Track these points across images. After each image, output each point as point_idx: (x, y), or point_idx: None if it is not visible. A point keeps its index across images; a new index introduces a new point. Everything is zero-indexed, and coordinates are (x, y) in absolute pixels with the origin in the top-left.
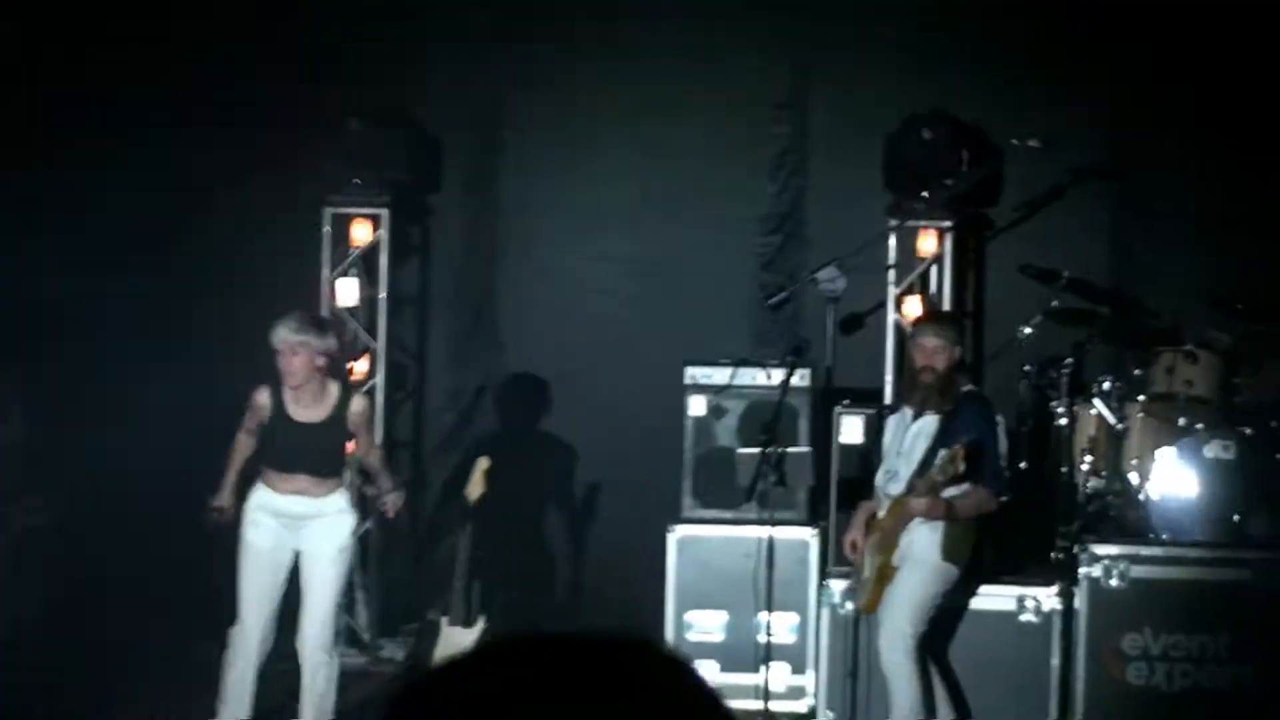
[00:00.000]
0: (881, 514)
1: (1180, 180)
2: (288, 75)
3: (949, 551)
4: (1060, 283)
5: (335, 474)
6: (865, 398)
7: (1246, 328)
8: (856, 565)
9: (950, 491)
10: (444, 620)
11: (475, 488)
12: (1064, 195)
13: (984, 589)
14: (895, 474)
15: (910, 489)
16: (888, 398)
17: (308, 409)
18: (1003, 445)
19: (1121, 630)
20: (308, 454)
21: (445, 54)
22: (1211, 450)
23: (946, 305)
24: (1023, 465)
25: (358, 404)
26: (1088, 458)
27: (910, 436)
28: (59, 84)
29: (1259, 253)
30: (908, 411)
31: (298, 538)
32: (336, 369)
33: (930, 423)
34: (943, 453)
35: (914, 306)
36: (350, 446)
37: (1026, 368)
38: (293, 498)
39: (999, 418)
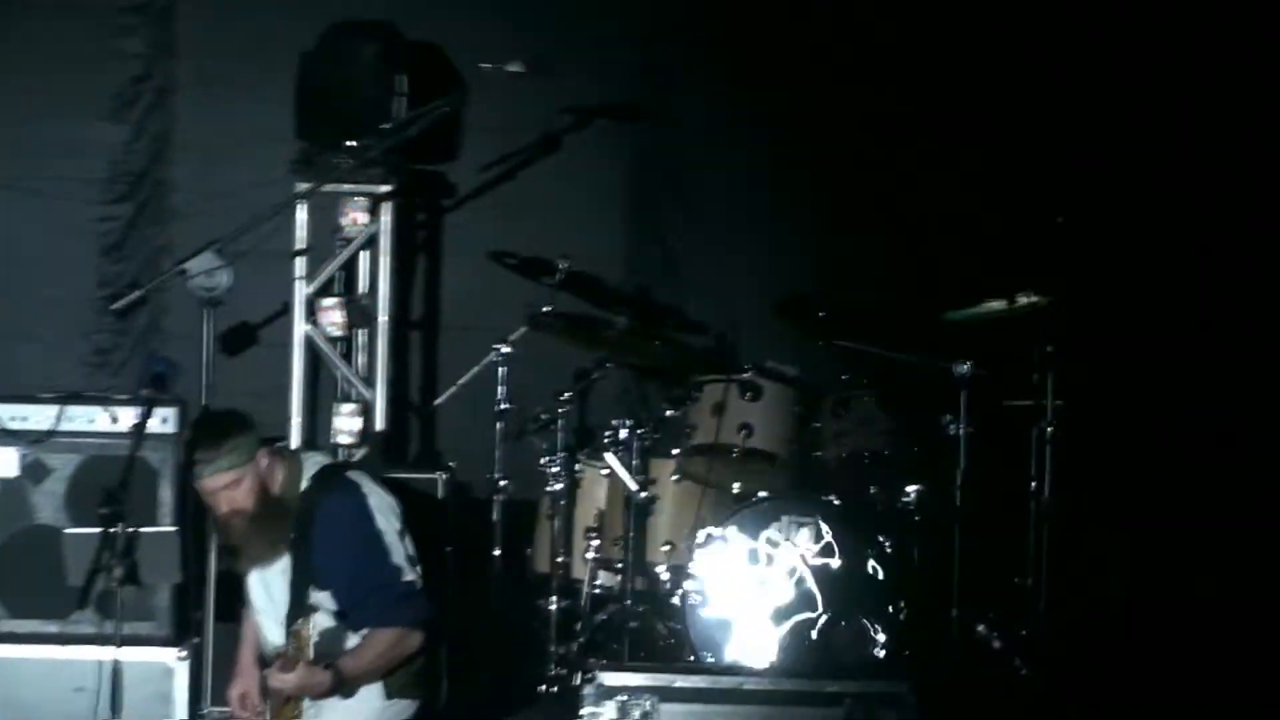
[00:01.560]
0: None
1: (735, 133)
2: None
3: (396, 684)
4: (556, 278)
5: None
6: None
7: (829, 345)
8: None
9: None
10: None
11: None
12: (560, 146)
13: None
14: (269, 635)
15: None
16: (294, 441)
17: None
18: (395, 549)
19: None
20: None
21: None
22: (779, 529)
23: (384, 309)
24: (496, 552)
25: None
26: (595, 541)
27: (259, 583)
28: None
29: (843, 243)
30: None
31: None
32: None
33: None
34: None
35: (334, 314)
36: None
37: (503, 406)
38: None
39: (375, 501)
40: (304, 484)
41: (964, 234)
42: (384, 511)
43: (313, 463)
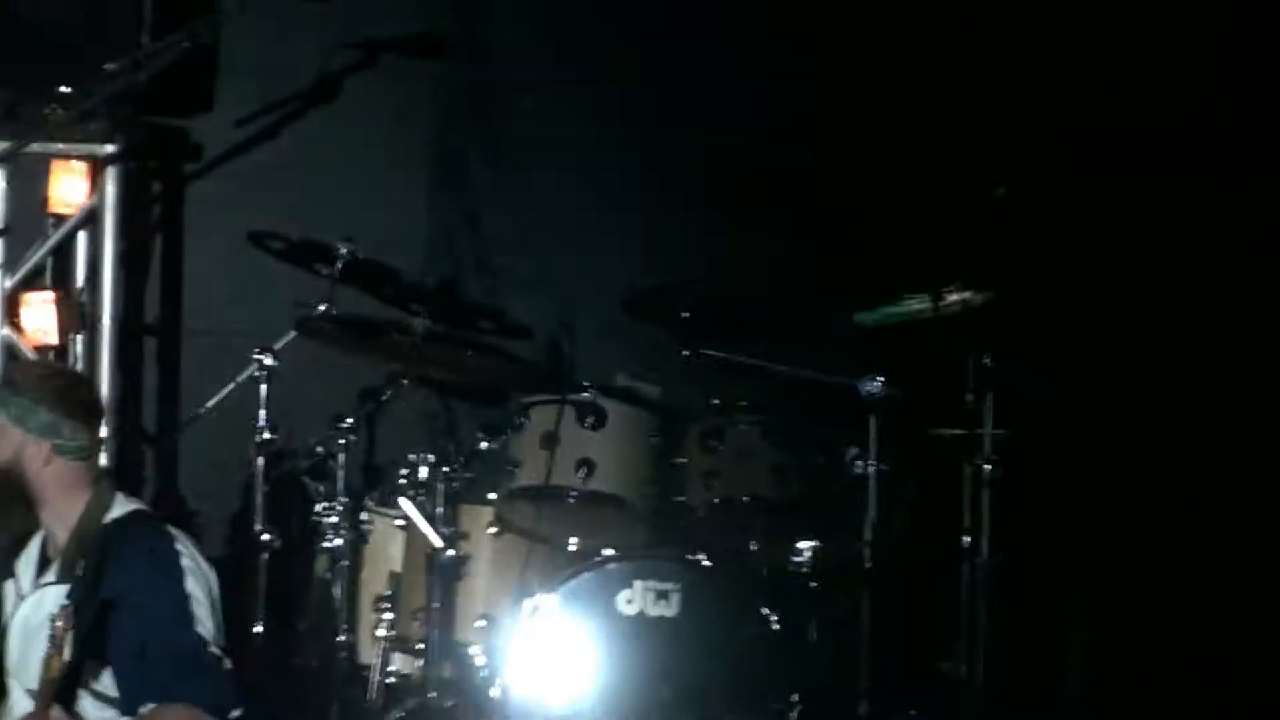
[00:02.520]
0: None
1: (568, 74)
2: None
3: None
4: (335, 267)
5: None
6: None
7: (696, 355)
8: None
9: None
10: None
11: None
12: (340, 93)
13: None
14: (17, 705)
15: None
16: None
17: None
18: (203, 620)
19: None
20: None
21: None
22: (633, 599)
23: (109, 308)
24: (257, 629)
25: None
26: (387, 615)
27: (19, 636)
28: None
29: (713, 221)
30: (22, 578)
31: None
32: None
33: (53, 597)
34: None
35: (43, 313)
36: None
37: (266, 436)
38: None
39: (188, 562)
40: (108, 520)
41: (875, 210)
42: (198, 577)
43: (128, 505)
